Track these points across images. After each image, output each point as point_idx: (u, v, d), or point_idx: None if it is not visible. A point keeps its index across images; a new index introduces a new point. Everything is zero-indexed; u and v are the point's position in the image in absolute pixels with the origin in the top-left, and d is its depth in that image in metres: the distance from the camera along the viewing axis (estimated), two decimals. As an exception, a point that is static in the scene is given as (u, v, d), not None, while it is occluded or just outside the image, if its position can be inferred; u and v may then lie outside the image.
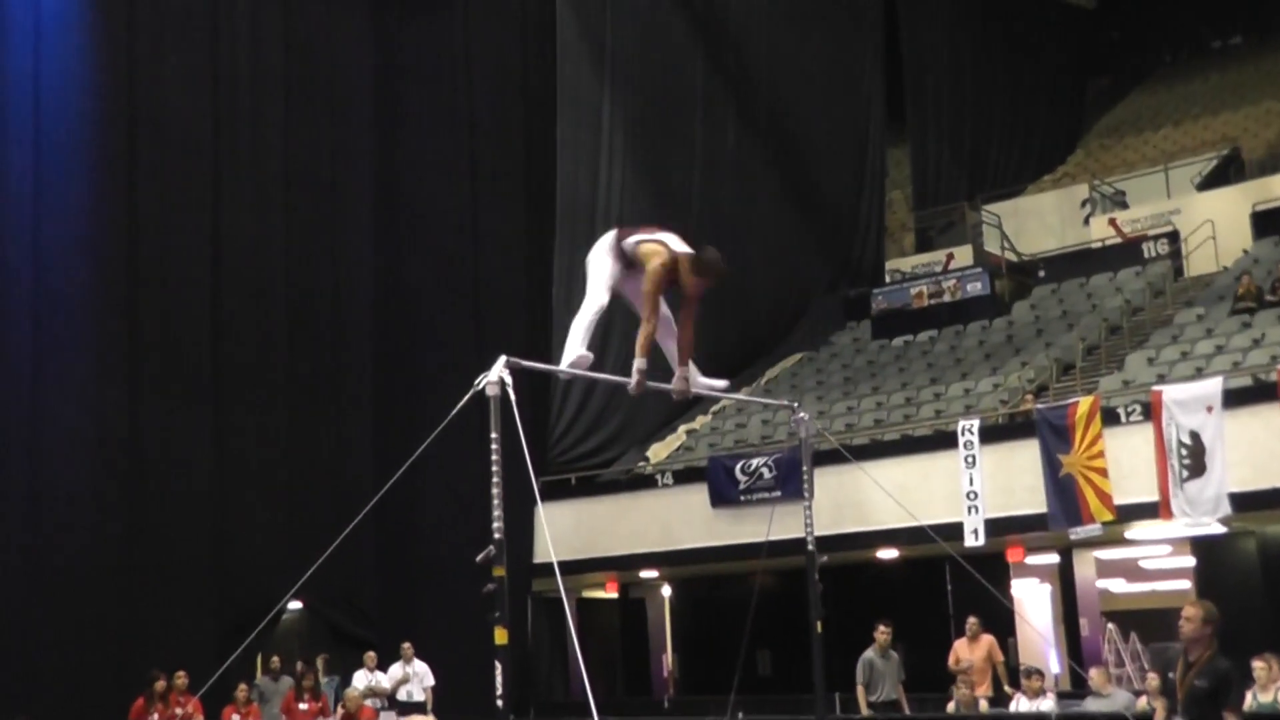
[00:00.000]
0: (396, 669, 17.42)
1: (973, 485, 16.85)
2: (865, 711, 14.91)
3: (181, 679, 15.28)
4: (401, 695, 17.21)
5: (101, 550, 16.79)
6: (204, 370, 18.41)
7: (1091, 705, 13.60)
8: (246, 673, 17.11)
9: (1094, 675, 13.99)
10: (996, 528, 16.80)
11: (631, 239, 8.43)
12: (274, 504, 18.76)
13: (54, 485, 16.67)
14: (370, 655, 17.47)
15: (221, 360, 18.62)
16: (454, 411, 7.92)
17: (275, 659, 17.64)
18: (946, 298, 24.90)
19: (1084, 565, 18.88)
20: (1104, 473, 15.82)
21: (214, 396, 18.44)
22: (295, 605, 18.09)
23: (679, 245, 8.34)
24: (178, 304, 18.23)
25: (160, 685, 15.10)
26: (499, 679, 7.40)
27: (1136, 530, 16.83)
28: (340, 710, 16.24)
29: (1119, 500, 15.77)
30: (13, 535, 16.24)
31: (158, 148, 18.36)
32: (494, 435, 7.59)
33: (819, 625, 10.80)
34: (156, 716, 15.06)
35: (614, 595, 22.86)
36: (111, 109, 17.98)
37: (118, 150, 17.97)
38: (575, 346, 8.62)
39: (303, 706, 16.37)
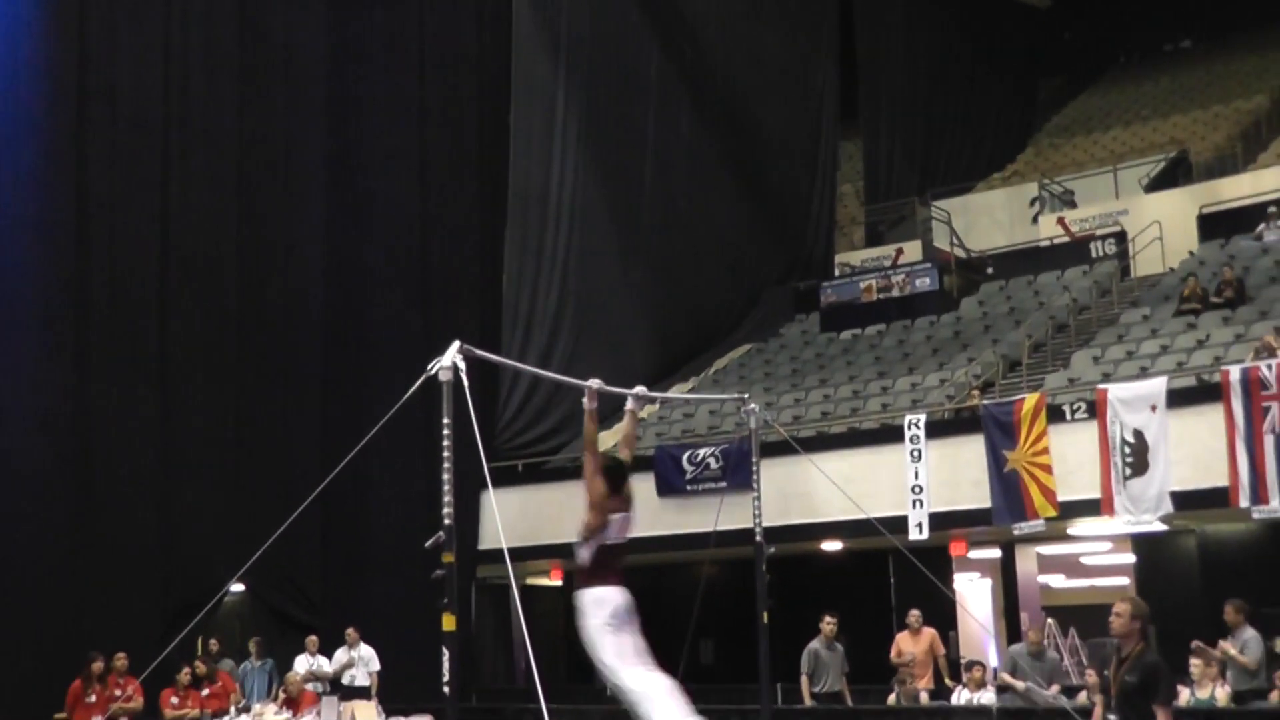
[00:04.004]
0: (341, 654, 17.34)
1: (918, 479, 16.95)
2: (808, 702, 14.96)
3: (121, 661, 15.10)
4: (345, 680, 17.13)
5: (45, 530, 16.58)
6: (151, 351, 18.23)
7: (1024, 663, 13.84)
8: (188, 655, 16.99)
9: (1030, 634, 14.26)
10: (940, 521, 16.91)
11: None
12: (219, 486, 18.62)
13: (-3, 463, 16.52)
14: (312, 639, 17.38)
15: (169, 341, 18.47)
16: (406, 395, 7.89)
17: (214, 642, 17.53)
18: (895, 292, 25.04)
19: (1026, 560, 19.02)
20: (1048, 469, 15.96)
21: (161, 377, 18.27)
22: (238, 588, 17.99)
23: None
24: (126, 283, 18.04)
25: (98, 667, 14.90)
26: (446, 665, 7.39)
27: (1079, 526, 17.00)
28: (281, 695, 16.15)
29: (1062, 497, 15.91)
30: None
31: (108, 125, 18.15)
32: (446, 420, 7.56)
33: (765, 616, 10.85)
34: (94, 698, 14.87)
35: (558, 583, 22.81)
36: (62, 84, 17.75)
37: (68, 127, 17.74)
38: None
39: (204, 692, 16.27)
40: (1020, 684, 13.80)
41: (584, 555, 8.34)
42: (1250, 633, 13.04)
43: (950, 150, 32.61)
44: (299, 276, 20.19)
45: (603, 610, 8.20)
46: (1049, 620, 18.88)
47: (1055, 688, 13.89)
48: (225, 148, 19.47)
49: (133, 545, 17.42)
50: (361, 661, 17.33)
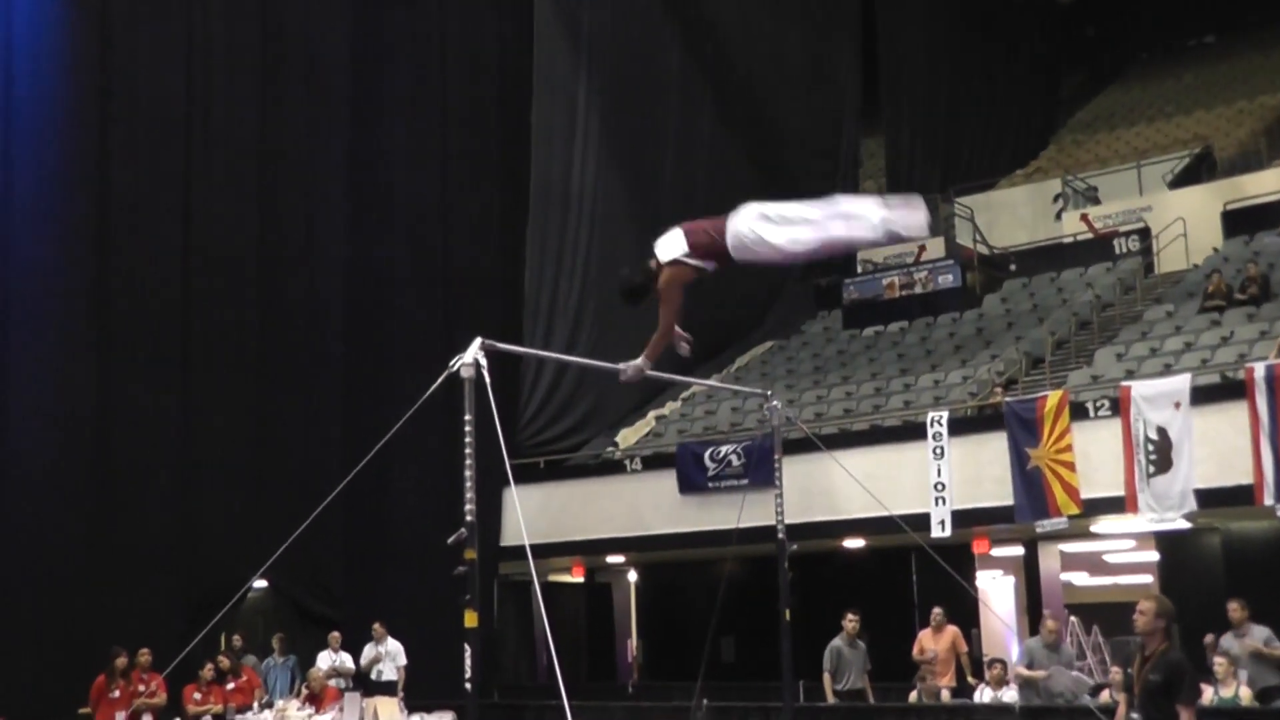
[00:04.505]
0: (369, 649, 17.36)
1: (940, 476, 16.91)
2: (831, 699, 14.94)
3: (145, 656, 15.16)
4: (373, 675, 17.15)
5: (67, 526, 16.64)
6: (173, 348, 18.27)
7: (1041, 656, 13.77)
8: (210, 651, 17.04)
9: (1048, 623, 14.19)
10: (963, 519, 16.86)
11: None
12: (241, 482, 18.66)
13: (19, 461, 16.52)
14: (334, 635, 17.39)
15: (190, 338, 18.51)
16: (428, 392, 7.88)
17: (237, 637, 17.57)
18: (918, 289, 25.00)
19: (1049, 558, 18.97)
20: (1071, 466, 15.90)
21: (182, 374, 18.32)
22: (260, 584, 18.02)
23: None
24: (147, 280, 18.08)
25: (122, 662, 14.97)
26: (468, 661, 7.38)
27: (1102, 524, 16.93)
28: (304, 690, 16.20)
29: (1085, 494, 15.86)
30: (-23, 510, 16.11)
31: (130, 121, 18.20)
32: (468, 417, 7.55)
33: (787, 613, 10.83)
34: (118, 693, 14.93)
35: (580, 580, 22.85)
36: (84, 80, 17.80)
37: (89, 123, 17.78)
38: None
39: (229, 686, 16.35)
40: (1041, 673, 13.73)
41: (688, 262, 8.23)
42: (1263, 629, 13.00)
43: (972, 147, 32.48)
44: (320, 274, 20.22)
45: (749, 214, 7.80)
46: (1072, 618, 18.85)
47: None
48: (247, 146, 19.50)
49: (154, 542, 17.46)
50: (389, 656, 17.35)
